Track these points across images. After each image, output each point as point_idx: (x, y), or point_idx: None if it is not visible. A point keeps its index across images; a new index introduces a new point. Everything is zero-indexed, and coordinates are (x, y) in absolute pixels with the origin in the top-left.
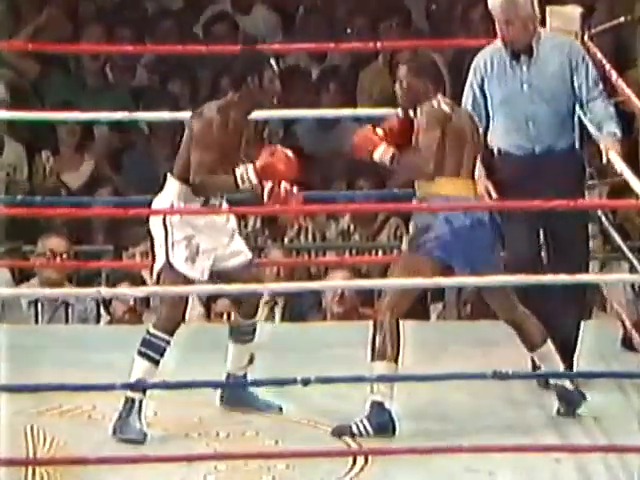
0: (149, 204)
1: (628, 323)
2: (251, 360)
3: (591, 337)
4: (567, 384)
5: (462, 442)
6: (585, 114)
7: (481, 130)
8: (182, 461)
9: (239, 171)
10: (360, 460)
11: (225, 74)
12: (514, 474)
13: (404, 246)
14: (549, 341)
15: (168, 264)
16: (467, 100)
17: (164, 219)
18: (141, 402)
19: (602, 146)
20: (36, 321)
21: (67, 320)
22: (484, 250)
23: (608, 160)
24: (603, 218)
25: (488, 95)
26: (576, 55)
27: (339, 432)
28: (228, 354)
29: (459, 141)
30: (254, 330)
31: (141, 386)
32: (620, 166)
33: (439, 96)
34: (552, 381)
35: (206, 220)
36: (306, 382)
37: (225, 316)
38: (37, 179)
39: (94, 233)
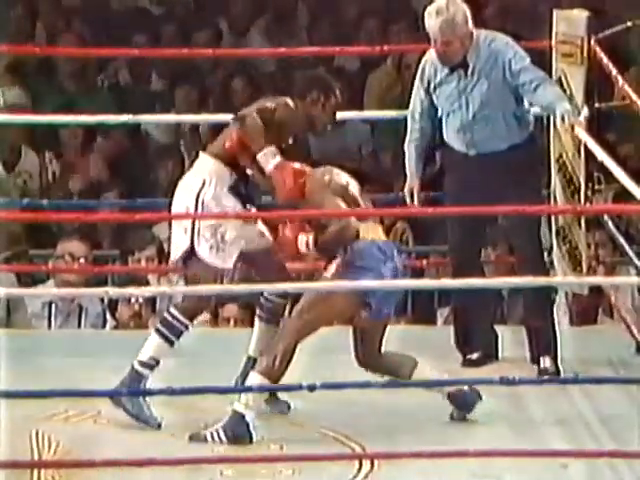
0: (155, 207)
1: (634, 329)
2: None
3: (598, 343)
4: (464, 387)
5: (468, 447)
6: (532, 104)
7: None
8: (188, 464)
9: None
10: (366, 465)
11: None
12: (520, 479)
13: (337, 264)
14: (419, 365)
15: (192, 253)
16: (415, 104)
17: (197, 197)
18: (145, 381)
19: (565, 124)
20: (49, 326)
21: (80, 326)
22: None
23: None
24: (610, 223)
25: (435, 100)
26: (510, 57)
27: (194, 439)
28: None
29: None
30: None
31: (146, 393)
32: (587, 140)
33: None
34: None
35: (234, 203)
36: (312, 388)
37: (232, 321)
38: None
39: (100, 237)
